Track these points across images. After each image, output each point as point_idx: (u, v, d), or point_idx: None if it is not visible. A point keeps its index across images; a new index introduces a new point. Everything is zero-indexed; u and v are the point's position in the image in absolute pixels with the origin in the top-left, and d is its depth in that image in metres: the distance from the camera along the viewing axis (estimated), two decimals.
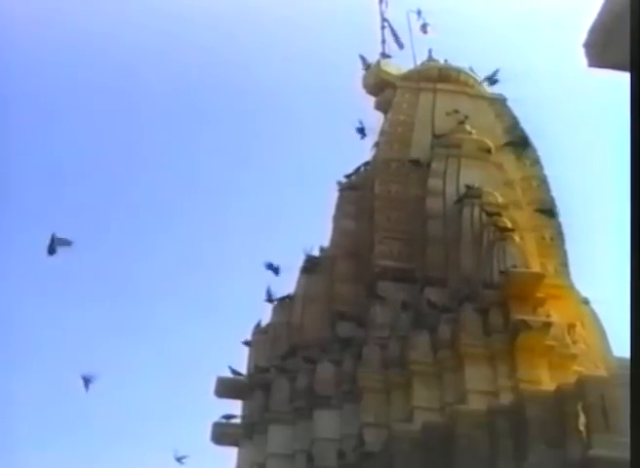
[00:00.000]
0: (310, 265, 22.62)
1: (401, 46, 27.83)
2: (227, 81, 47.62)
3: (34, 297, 44.84)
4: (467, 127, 23.37)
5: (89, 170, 50.81)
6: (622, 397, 15.62)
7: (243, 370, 21.91)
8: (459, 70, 25.94)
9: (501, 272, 19.51)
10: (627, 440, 14.74)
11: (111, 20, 45.70)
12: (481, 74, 25.95)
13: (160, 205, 48.60)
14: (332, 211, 23.72)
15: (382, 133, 24.35)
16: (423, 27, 27.90)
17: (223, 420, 21.36)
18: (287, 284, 22.96)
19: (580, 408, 15.20)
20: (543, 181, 22.99)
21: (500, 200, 21.45)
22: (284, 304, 22.53)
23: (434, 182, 22.15)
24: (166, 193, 49.63)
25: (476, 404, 17.56)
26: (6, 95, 44.49)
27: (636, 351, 3.95)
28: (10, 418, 37.25)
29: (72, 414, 42.03)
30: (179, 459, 21.67)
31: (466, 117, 23.63)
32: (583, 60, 6.26)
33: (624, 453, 14.55)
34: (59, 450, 38.19)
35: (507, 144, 23.31)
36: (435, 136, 23.29)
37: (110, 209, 48.28)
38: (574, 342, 19.49)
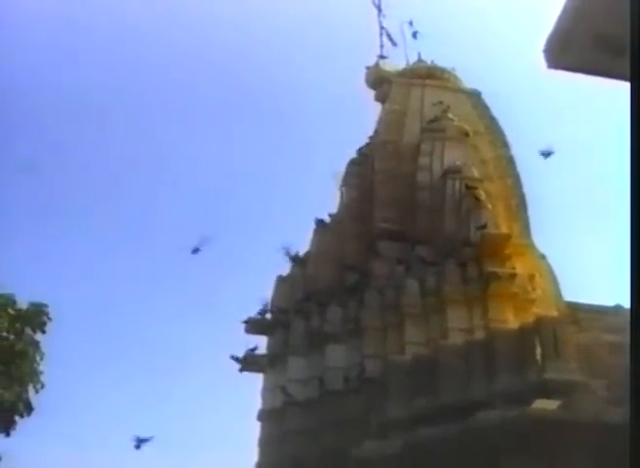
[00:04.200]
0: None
1: (394, 44, 27.80)
2: (251, 80, 47.17)
3: None
4: (450, 115, 23.35)
5: None
6: (569, 332, 15.95)
7: (267, 313, 22.08)
8: (443, 69, 25.88)
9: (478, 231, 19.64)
10: (573, 365, 15.07)
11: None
12: (460, 72, 25.96)
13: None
14: (339, 183, 23.74)
15: (381, 120, 24.32)
16: (414, 35, 27.80)
17: (250, 352, 21.62)
18: (303, 242, 23.13)
19: (537, 341, 15.41)
20: (510, 160, 23.01)
21: (477, 175, 21.51)
22: (301, 258, 22.65)
23: (423, 160, 22.20)
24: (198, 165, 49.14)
25: (455, 339, 17.84)
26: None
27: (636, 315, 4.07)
28: None
29: None
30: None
31: (449, 107, 23.59)
32: (544, 63, 6.34)
33: (571, 376, 14.92)
34: None
35: None
36: (428, 123, 23.21)
37: None
38: (533, 289, 19.68)
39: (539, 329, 15.72)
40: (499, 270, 19.13)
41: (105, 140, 44.49)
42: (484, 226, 19.63)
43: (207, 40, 46.38)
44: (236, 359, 21.61)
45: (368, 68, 26.90)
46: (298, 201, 42.34)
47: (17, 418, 10.27)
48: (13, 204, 39.61)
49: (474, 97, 24.89)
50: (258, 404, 20.77)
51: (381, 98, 25.69)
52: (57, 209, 45.86)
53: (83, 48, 46.13)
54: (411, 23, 27.90)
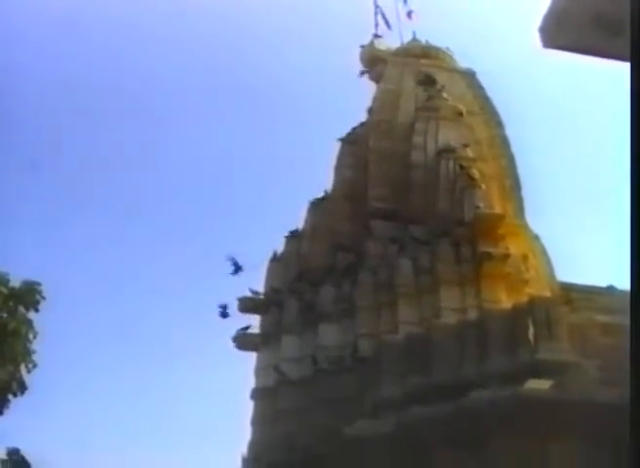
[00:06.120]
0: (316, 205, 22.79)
1: (389, 27, 27.61)
2: (245, 59, 46.89)
3: None
4: (444, 95, 23.26)
5: None
6: (562, 313, 16.01)
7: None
8: (437, 49, 25.73)
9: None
10: (566, 345, 15.16)
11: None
12: (455, 52, 25.83)
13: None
14: (334, 162, 23.66)
15: (375, 99, 24.22)
16: (409, 14, 27.57)
17: (243, 331, 21.64)
18: (296, 221, 23.08)
19: (529, 321, 15.45)
20: (505, 140, 22.95)
21: (471, 155, 21.45)
22: (294, 238, 22.62)
23: (417, 139, 22.13)
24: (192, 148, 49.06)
25: (448, 319, 17.85)
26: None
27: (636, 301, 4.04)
28: None
29: None
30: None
31: (443, 87, 23.49)
32: (539, 42, 6.29)
33: (563, 356, 14.98)
34: None
35: None
36: (423, 102, 23.12)
37: None
38: (526, 270, 19.70)
39: (531, 309, 15.77)
40: (492, 250, 19.13)
41: (105, 136, 44.34)
42: (480, 208, 19.62)
43: (202, 26, 46.05)
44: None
45: (363, 47, 26.77)
46: (292, 180, 42.30)
47: (10, 397, 10.26)
48: (9, 186, 39.52)
49: (469, 76, 24.76)
50: (251, 382, 20.82)
51: (376, 78, 25.58)
52: (52, 191, 45.71)
53: (84, 47, 45.87)
54: (405, 2, 27.72)
